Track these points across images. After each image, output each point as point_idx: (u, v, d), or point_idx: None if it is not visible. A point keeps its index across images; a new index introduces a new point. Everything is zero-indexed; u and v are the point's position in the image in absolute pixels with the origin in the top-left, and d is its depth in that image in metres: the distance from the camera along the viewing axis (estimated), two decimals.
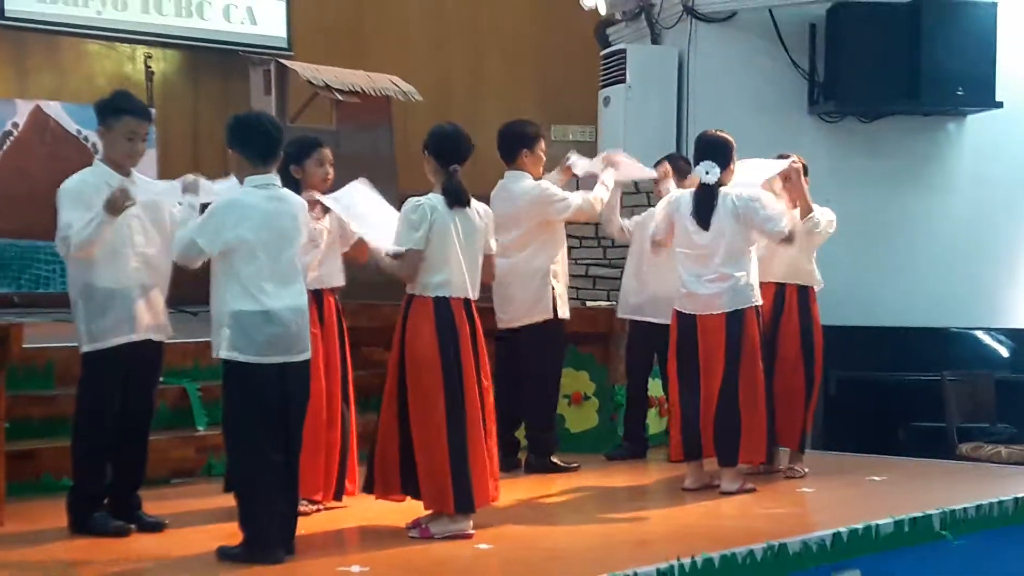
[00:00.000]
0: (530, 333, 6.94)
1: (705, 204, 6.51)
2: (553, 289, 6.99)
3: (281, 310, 4.97)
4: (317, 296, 5.81)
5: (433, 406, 5.34)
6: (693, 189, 6.63)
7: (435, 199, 5.48)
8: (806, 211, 6.86)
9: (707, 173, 6.52)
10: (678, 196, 6.71)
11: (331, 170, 5.97)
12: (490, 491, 5.50)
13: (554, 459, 7.12)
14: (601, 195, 7.15)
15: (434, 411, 5.33)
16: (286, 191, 5.17)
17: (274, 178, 5.11)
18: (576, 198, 7.06)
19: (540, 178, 7.08)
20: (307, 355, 5.13)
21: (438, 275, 5.43)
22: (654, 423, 7.86)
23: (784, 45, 10.33)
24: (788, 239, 6.54)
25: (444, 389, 5.34)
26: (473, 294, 5.56)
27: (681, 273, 6.58)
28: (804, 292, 7.03)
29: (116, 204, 5.20)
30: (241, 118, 5.24)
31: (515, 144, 7.03)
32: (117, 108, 5.50)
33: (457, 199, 5.51)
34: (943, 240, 10.39)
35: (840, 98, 10.15)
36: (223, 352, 4.95)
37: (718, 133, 6.72)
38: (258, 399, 4.91)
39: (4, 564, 4.97)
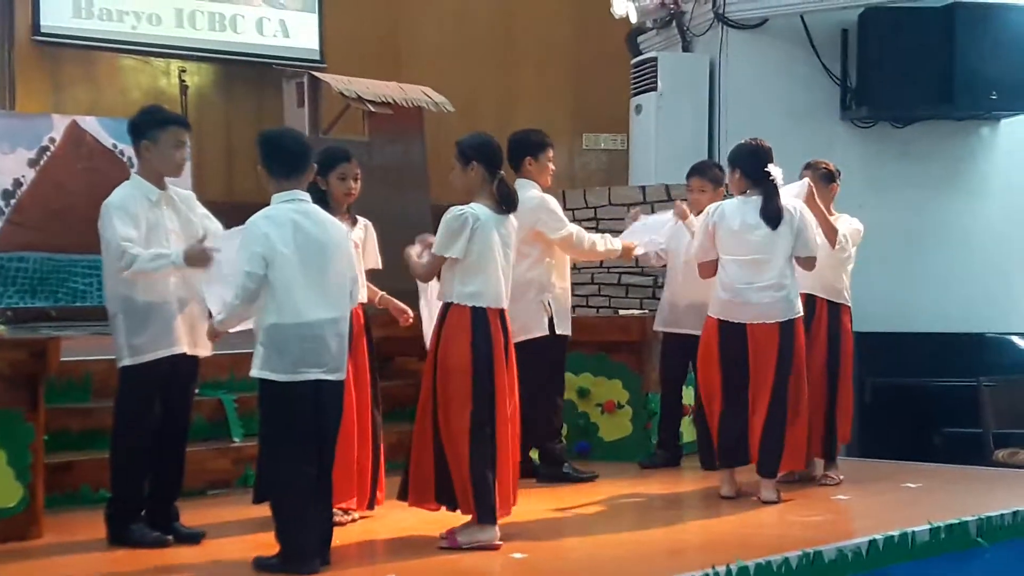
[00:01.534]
0: (527, 350, 6.40)
1: (775, 207, 6.46)
2: (549, 305, 6.93)
3: (317, 323, 4.98)
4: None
5: (459, 414, 5.34)
6: (738, 198, 6.58)
7: (479, 208, 5.48)
8: (832, 236, 6.83)
9: (779, 176, 6.53)
10: (718, 208, 6.62)
11: (355, 185, 5.96)
12: (511, 501, 5.50)
13: (566, 468, 7.10)
14: (605, 245, 7.11)
15: (460, 419, 5.34)
16: (313, 207, 5.17)
17: (300, 193, 5.13)
18: (574, 227, 7.01)
19: (547, 187, 7.02)
20: (342, 375, 5.12)
21: (477, 284, 5.43)
22: (688, 431, 7.85)
23: (816, 51, 10.32)
24: (811, 264, 6.59)
25: (473, 399, 5.33)
26: (506, 303, 5.58)
27: (730, 281, 6.47)
28: (835, 305, 7.01)
29: (195, 259, 5.27)
30: (265, 135, 5.27)
31: (519, 152, 6.97)
32: (164, 119, 5.56)
33: (512, 203, 5.57)
34: (978, 245, 10.35)
35: (873, 103, 10.13)
36: (255, 371, 4.98)
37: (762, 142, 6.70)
38: (292, 416, 4.93)
39: (44, 573, 5.03)
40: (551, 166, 7.04)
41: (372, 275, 6.19)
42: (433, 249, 5.48)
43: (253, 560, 5.01)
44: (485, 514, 5.34)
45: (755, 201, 6.50)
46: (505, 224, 5.55)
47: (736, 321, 6.47)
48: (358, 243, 5.98)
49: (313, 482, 4.96)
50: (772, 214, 6.44)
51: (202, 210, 5.69)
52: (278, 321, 4.94)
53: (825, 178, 7.09)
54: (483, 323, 5.42)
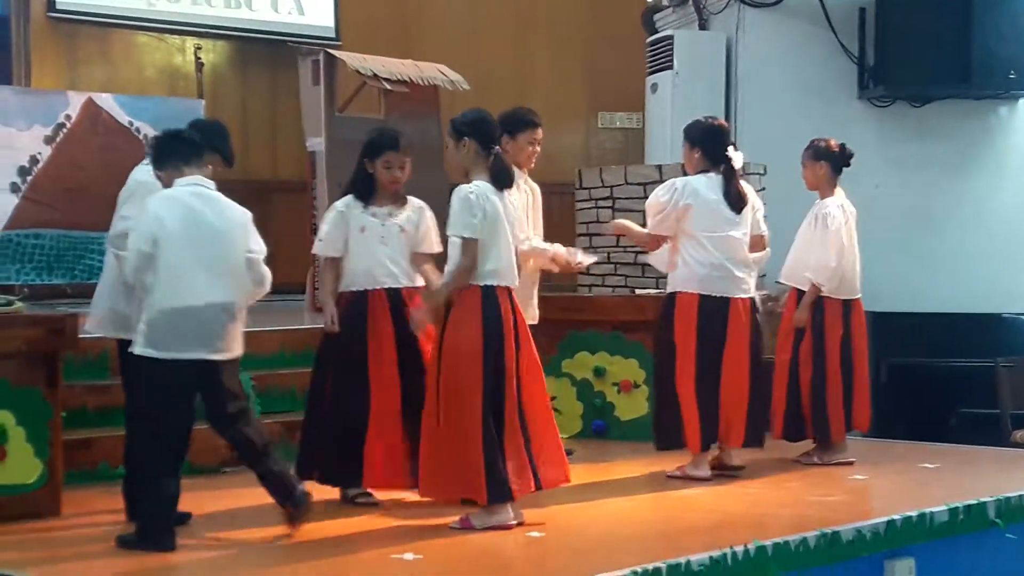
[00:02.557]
0: None
1: (737, 191, 6.52)
2: None
3: (207, 306, 5.06)
4: (395, 294, 5.84)
5: (469, 399, 5.27)
6: (702, 175, 6.53)
7: (483, 185, 5.43)
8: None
9: (739, 159, 6.58)
10: (687, 184, 6.54)
11: (400, 174, 5.89)
12: (531, 482, 5.41)
13: None
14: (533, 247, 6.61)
15: (470, 403, 5.27)
16: (214, 193, 5.23)
17: (201, 179, 5.21)
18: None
19: (529, 169, 6.67)
20: (231, 355, 5.16)
21: (489, 263, 5.38)
22: None
23: (833, 29, 10.27)
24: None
25: (484, 383, 5.27)
26: (516, 282, 5.54)
27: (708, 256, 6.46)
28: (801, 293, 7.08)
29: None
30: (158, 137, 5.48)
31: (499, 129, 6.75)
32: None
33: (509, 179, 5.52)
34: (995, 224, 10.31)
35: (890, 83, 10.08)
36: (137, 348, 5.06)
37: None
38: (168, 394, 5.03)
39: (64, 549, 5.06)
40: (532, 148, 6.61)
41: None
42: (451, 232, 5.41)
43: (116, 538, 5.07)
44: (495, 496, 5.29)
45: (719, 180, 6.53)
46: (505, 199, 5.49)
47: (720, 295, 6.48)
48: (406, 227, 5.93)
49: (176, 460, 5.08)
50: (734, 198, 6.50)
51: None
52: (162, 301, 5.03)
53: (814, 155, 7.08)
54: (494, 304, 5.37)
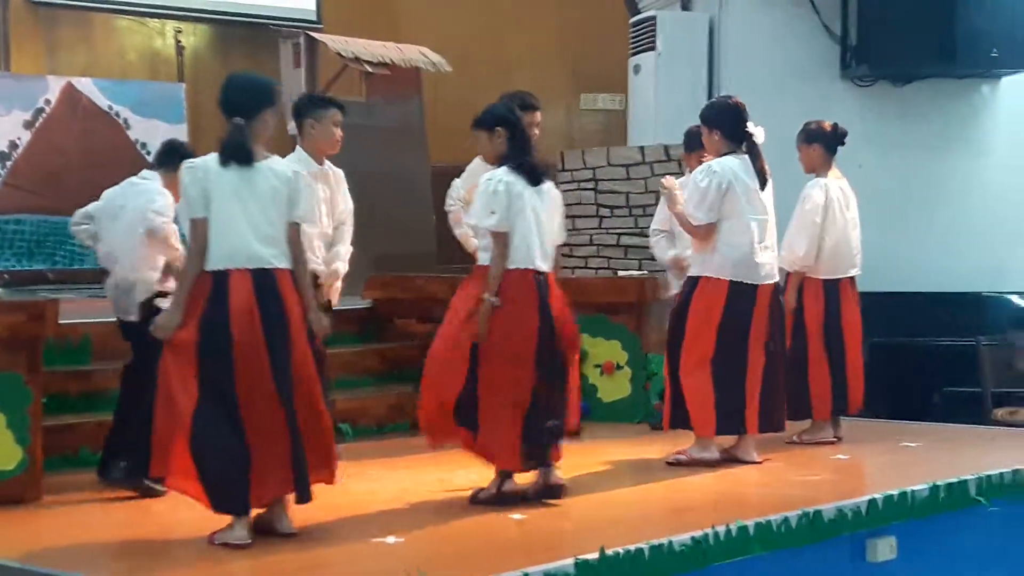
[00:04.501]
0: None
1: (762, 168, 6.39)
2: None
3: None
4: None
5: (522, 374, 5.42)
6: (734, 156, 6.38)
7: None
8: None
9: (760, 135, 6.42)
10: (724, 166, 6.37)
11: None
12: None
13: None
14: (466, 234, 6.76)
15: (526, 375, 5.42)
16: None
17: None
18: (470, 217, 5.84)
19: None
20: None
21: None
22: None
23: (816, 9, 10.27)
24: None
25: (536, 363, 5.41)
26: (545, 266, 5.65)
27: (744, 241, 6.31)
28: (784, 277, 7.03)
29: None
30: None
31: None
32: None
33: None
34: (977, 204, 10.33)
35: (873, 62, 10.09)
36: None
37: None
38: None
39: (45, 535, 5.05)
40: (530, 131, 6.36)
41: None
42: (489, 224, 5.49)
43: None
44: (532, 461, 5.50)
45: (748, 160, 6.39)
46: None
47: (749, 282, 6.34)
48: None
49: None
50: (761, 175, 6.39)
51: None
52: None
53: (806, 138, 7.06)
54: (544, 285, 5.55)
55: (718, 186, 6.31)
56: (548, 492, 5.51)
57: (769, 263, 6.42)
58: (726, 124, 6.43)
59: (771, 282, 6.44)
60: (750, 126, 6.40)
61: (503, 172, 5.51)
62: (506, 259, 5.44)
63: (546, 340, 5.46)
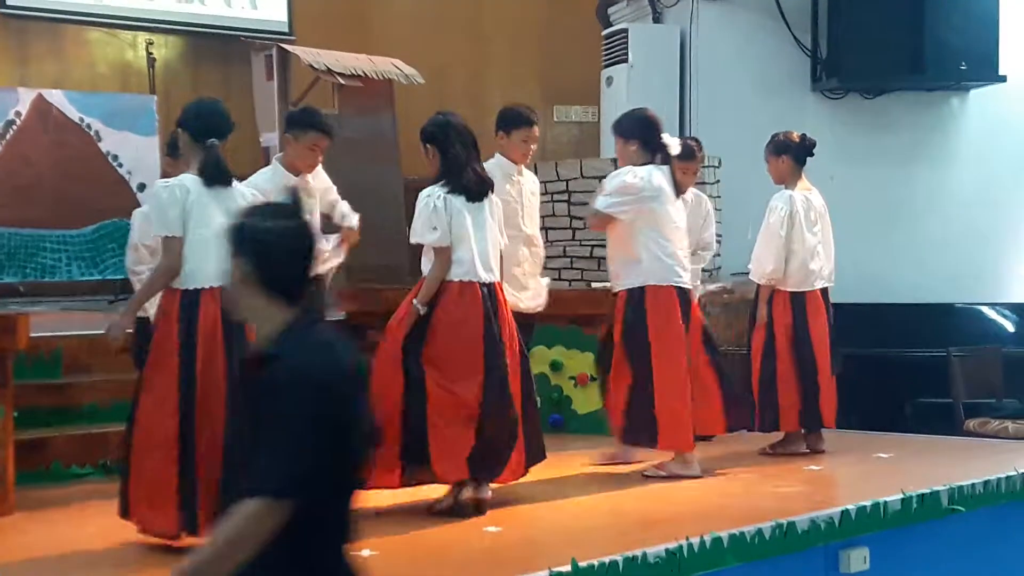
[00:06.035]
0: None
1: (675, 176, 6.54)
2: None
3: None
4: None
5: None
6: (654, 166, 6.43)
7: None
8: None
9: (674, 145, 6.57)
10: (652, 171, 6.41)
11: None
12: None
13: None
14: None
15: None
16: None
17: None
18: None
19: (524, 164, 6.72)
20: None
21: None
22: None
23: (786, 22, 10.32)
24: None
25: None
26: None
27: (669, 247, 6.39)
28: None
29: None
30: None
31: (496, 126, 6.69)
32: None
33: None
34: (947, 215, 10.39)
35: (843, 75, 10.15)
36: None
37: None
38: None
39: (16, 550, 5.01)
40: (527, 145, 6.59)
41: None
42: (431, 240, 5.60)
43: None
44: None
45: (667, 170, 6.48)
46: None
47: (683, 286, 6.46)
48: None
49: None
50: (676, 185, 6.52)
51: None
52: None
53: (775, 150, 7.09)
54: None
55: (641, 191, 6.36)
56: (476, 507, 5.52)
57: (689, 269, 6.61)
58: (643, 135, 6.51)
59: (692, 288, 6.65)
60: (665, 137, 6.51)
61: (439, 188, 5.57)
62: (446, 272, 5.52)
63: (492, 349, 5.49)
